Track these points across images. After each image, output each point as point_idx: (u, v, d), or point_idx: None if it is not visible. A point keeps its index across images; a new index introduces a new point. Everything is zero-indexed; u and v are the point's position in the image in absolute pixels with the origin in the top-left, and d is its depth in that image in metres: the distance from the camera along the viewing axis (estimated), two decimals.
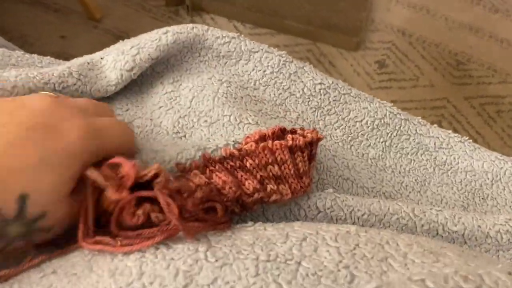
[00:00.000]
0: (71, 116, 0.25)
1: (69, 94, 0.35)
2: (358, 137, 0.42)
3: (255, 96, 0.40)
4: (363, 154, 0.41)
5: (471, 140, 0.44)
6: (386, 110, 0.43)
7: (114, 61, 0.36)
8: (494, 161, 0.43)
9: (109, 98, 0.37)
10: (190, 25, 0.40)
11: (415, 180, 0.42)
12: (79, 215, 0.25)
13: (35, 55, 0.42)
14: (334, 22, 1.16)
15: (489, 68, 1.19)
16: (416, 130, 0.43)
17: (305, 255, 0.23)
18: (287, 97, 0.42)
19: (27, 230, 0.23)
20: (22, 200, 0.22)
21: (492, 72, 1.18)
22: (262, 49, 0.42)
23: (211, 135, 0.35)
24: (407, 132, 0.43)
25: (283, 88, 0.42)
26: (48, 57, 0.43)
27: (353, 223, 0.33)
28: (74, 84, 0.35)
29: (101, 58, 0.37)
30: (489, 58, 1.20)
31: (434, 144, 0.43)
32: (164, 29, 0.38)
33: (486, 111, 1.12)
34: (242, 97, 0.39)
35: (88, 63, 0.36)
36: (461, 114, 1.10)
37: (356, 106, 0.42)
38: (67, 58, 0.42)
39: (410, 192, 0.41)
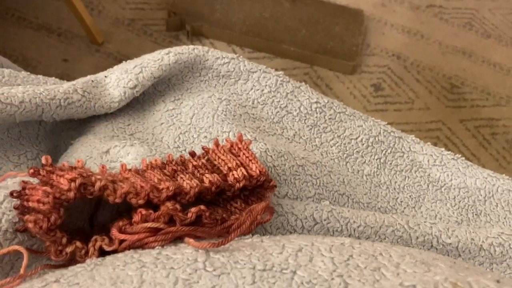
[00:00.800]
0: None
1: (74, 110, 0.36)
2: (353, 154, 0.43)
3: (253, 114, 0.42)
4: (358, 171, 0.42)
5: (463, 158, 0.46)
6: (380, 128, 0.44)
7: (118, 79, 0.38)
8: (486, 178, 0.44)
9: (112, 114, 0.39)
10: (191, 46, 0.42)
11: (410, 196, 0.43)
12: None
13: (40, 76, 0.43)
14: (331, 46, 1.18)
15: (483, 92, 1.21)
16: (410, 147, 0.44)
17: (301, 264, 0.23)
18: (284, 115, 0.43)
19: None
20: None
21: (486, 95, 1.20)
22: (260, 69, 0.43)
23: None
24: (401, 149, 0.44)
25: (280, 107, 0.43)
26: (53, 78, 0.44)
27: (349, 235, 0.33)
28: (79, 100, 0.36)
29: (105, 77, 0.38)
30: (483, 82, 1.23)
31: (428, 161, 0.44)
32: (166, 50, 0.39)
33: (481, 133, 1.13)
34: (241, 115, 0.40)
35: (93, 81, 0.37)
36: (456, 136, 1.12)
37: (351, 124, 0.44)
38: (69, 80, 0.43)
39: (405, 208, 0.42)
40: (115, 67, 0.40)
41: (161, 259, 0.24)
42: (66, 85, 0.36)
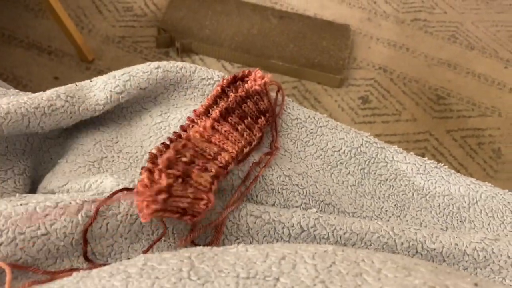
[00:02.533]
0: None
1: (59, 117, 0.36)
2: (337, 166, 0.44)
3: None
4: (343, 182, 0.43)
5: (446, 166, 0.47)
6: (362, 139, 0.45)
7: (105, 83, 0.38)
8: (469, 185, 0.45)
9: (100, 132, 0.39)
10: (180, 64, 0.43)
11: (395, 205, 0.44)
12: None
13: (29, 93, 0.44)
14: (318, 60, 1.20)
15: (468, 102, 1.23)
16: (392, 157, 0.45)
17: (284, 271, 0.24)
18: (268, 131, 0.44)
19: None
20: None
21: (471, 106, 1.23)
22: None
23: None
24: (384, 159, 0.45)
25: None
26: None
27: (336, 242, 0.34)
28: (63, 106, 0.36)
29: (90, 81, 0.39)
30: (468, 93, 1.25)
31: (411, 170, 0.45)
32: (156, 64, 0.40)
33: (467, 143, 1.15)
34: None
35: (76, 85, 0.38)
36: (443, 146, 1.14)
37: (332, 137, 0.45)
38: None
39: (390, 216, 0.43)
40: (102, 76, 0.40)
41: (146, 270, 0.25)
42: (49, 92, 0.36)
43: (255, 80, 0.40)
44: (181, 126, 0.38)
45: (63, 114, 0.36)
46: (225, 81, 0.41)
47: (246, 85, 0.40)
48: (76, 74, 1.12)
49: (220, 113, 0.36)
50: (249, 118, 0.38)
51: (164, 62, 0.41)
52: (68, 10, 1.21)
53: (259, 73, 0.41)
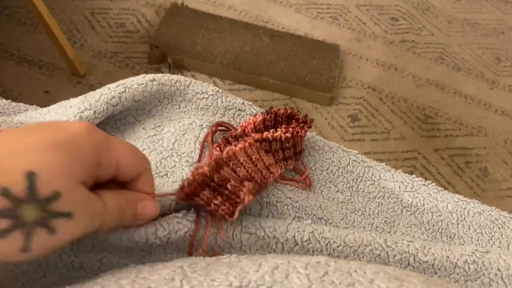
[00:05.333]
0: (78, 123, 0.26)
1: None
2: (326, 184, 0.44)
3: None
4: (333, 198, 0.44)
5: (434, 184, 0.47)
6: (350, 158, 0.46)
7: (100, 94, 0.38)
8: (457, 202, 0.46)
9: None
10: (175, 77, 0.43)
11: (385, 221, 0.44)
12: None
13: (21, 104, 0.44)
14: (309, 79, 1.22)
15: (456, 122, 1.26)
16: (380, 175, 0.46)
17: (277, 281, 0.24)
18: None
19: (43, 214, 0.21)
20: (30, 177, 0.21)
21: (458, 126, 1.25)
22: (236, 107, 0.45)
23: None
24: (371, 178, 0.46)
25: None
26: (34, 106, 0.45)
27: (329, 254, 0.34)
28: None
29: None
30: (455, 112, 1.28)
31: (399, 187, 0.46)
32: (151, 76, 0.41)
33: (455, 162, 1.17)
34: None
35: (68, 101, 0.38)
36: (432, 165, 1.15)
37: (319, 157, 0.45)
38: None
39: (380, 232, 0.43)
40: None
41: (138, 281, 0.24)
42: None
43: (304, 122, 0.42)
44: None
45: None
46: (271, 115, 0.42)
47: (293, 129, 0.41)
48: (67, 88, 1.12)
49: (261, 140, 0.38)
50: (281, 155, 0.40)
51: (159, 75, 0.41)
52: (61, 25, 1.22)
53: (305, 118, 0.43)
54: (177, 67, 1.22)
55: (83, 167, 0.24)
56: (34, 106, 0.44)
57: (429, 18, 1.54)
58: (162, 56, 1.21)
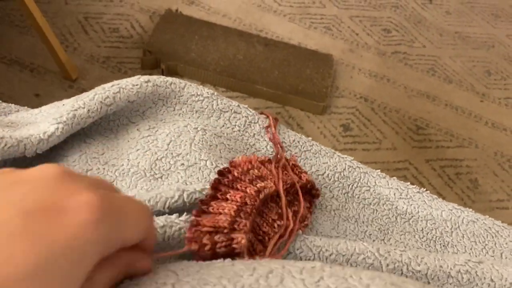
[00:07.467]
0: (80, 189, 0.20)
1: (55, 141, 0.35)
2: (321, 189, 0.44)
3: (229, 145, 0.42)
4: (326, 206, 0.43)
5: (428, 191, 0.47)
6: (346, 164, 0.45)
7: (94, 93, 0.38)
8: (451, 210, 0.46)
9: (86, 144, 0.38)
10: (170, 79, 0.42)
11: (378, 229, 0.44)
12: None
13: (12, 104, 0.43)
14: (302, 88, 1.22)
15: (447, 133, 1.27)
16: (375, 182, 0.46)
17: (271, 285, 0.23)
18: (253, 152, 0.44)
19: None
20: None
21: (449, 137, 1.26)
22: (231, 109, 0.45)
23: (188, 177, 0.36)
24: (367, 184, 0.46)
25: (249, 144, 0.44)
26: (25, 107, 0.44)
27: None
28: (58, 136, 0.36)
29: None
30: (446, 124, 1.29)
31: (394, 194, 0.46)
32: (146, 77, 0.40)
33: (446, 173, 1.17)
34: (216, 145, 0.41)
35: (60, 102, 0.38)
36: (423, 175, 1.16)
37: (316, 161, 0.45)
38: None
39: (374, 240, 0.43)
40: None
41: (130, 286, 0.24)
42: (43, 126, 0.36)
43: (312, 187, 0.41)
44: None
45: (59, 137, 0.35)
46: (279, 157, 0.40)
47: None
48: (58, 92, 1.11)
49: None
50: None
51: (154, 77, 0.41)
52: (54, 28, 1.21)
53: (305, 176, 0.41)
54: (171, 73, 1.22)
55: (83, 273, 0.19)
56: (25, 107, 0.44)
57: (421, 30, 1.56)
58: (155, 61, 1.21)
